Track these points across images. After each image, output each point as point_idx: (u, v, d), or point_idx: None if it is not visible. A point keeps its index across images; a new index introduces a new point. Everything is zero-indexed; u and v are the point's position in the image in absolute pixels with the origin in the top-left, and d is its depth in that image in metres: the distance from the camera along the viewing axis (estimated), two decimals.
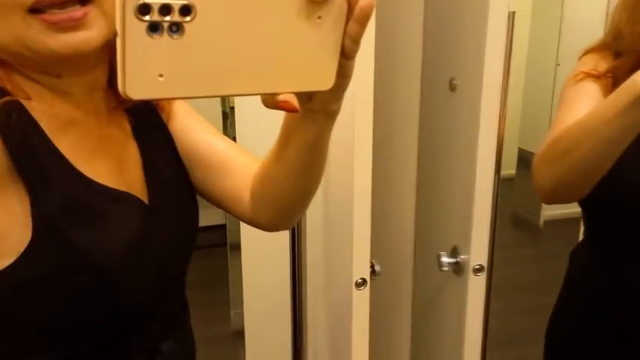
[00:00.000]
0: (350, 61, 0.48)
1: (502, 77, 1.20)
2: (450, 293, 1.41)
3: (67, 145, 0.62)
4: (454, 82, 1.34)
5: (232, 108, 1.81)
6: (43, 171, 0.59)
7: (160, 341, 0.72)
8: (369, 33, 1.09)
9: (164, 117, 0.77)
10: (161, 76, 0.39)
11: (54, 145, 0.61)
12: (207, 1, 0.39)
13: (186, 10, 0.39)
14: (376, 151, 1.17)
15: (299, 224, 1.32)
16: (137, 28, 0.38)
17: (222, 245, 2.73)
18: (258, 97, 0.49)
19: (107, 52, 0.62)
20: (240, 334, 1.49)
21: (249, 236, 1.44)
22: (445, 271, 1.38)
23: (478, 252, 1.30)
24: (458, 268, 1.36)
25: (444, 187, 1.41)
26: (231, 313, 2.57)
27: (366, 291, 1.24)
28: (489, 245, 1.31)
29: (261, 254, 1.46)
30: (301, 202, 0.73)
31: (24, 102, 0.60)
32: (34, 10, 0.54)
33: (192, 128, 0.79)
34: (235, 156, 0.78)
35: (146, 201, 0.69)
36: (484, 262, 1.31)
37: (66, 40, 0.55)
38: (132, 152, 0.71)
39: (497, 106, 1.20)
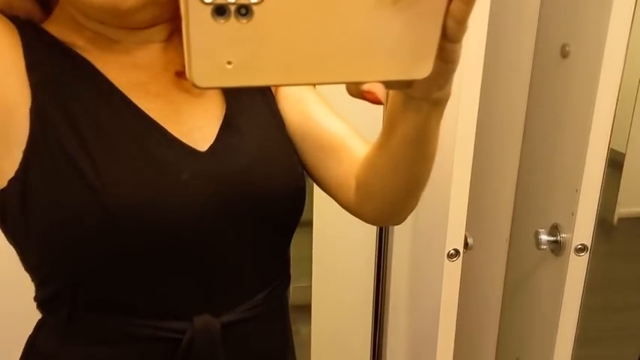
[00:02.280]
0: (455, 44, 0.41)
1: (626, 45, 1.10)
2: (547, 273, 1.34)
3: (118, 78, 0.61)
4: (567, 48, 1.25)
5: None
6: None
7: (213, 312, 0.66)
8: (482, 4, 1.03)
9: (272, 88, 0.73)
10: (229, 63, 0.36)
11: (88, 61, 0.61)
12: None
13: None
14: (479, 120, 1.11)
15: None
16: (201, 12, 0.35)
17: None
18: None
19: (165, 11, 0.61)
20: (300, 309, 1.41)
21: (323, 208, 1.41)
22: (543, 249, 1.31)
23: (582, 230, 1.22)
24: (557, 247, 1.29)
25: (549, 160, 1.33)
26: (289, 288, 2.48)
27: (458, 262, 1.20)
28: (594, 225, 1.23)
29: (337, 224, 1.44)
30: (408, 198, 0.65)
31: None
32: None
33: (307, 100, 0.73)
34: (348, 140, 0.71)
35: (204, 148, 0.63)
36: (588, 241, 1.23)
37: None
38: (213, 108, 0.66)
39: (618, 78, 1.11)
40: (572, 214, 1.22)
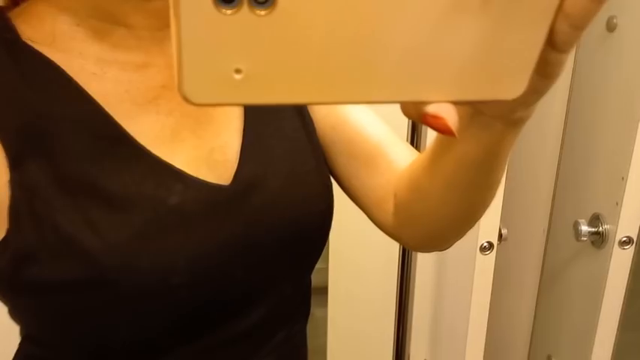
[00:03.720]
0: (562, 54, 0.30)
1: None
2: (586, 267, 1.25)
3: (103, 91, 0.48)
4: (614, 20, 1.14)
5: None
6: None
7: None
8: None
9: None
10: (238, 71, 0.25)
11: (76, 84, 0.47)
12: None
13: None
14: None
15: None
16: None
17: None
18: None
19: None
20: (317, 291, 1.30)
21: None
22: (583, 241, 1.21)
23: (628, 222, 1.12)
24: (598, 239, 1.20)
25: (592, 145, 1.23)
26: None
27: (491, 256, 1.11)
28: None
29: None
30: (459, 227, 0.53)
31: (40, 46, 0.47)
32: None
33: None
34: (387, 147, 0.57)
35: (226, 179, 0.51)
36: (634, 233, 1.13)
37: None
38: (227, 113, 0.54)
39: None
40: (617, 204, 1.13)
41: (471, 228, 0.53)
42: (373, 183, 0.58)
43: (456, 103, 0.28)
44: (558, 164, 1.33)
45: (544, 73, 0.30)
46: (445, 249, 0.59)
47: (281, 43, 0.25)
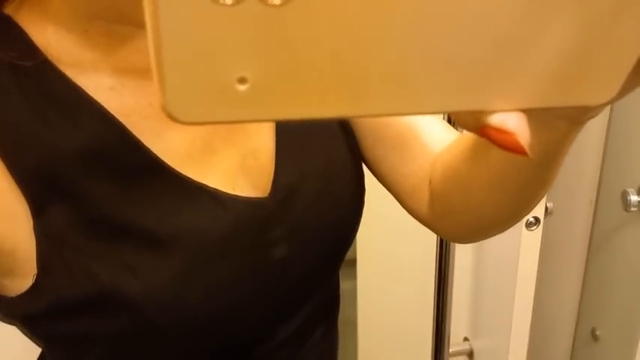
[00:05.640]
0: None
1: None
2: (635, 238, 1.20)
3: (124, 109, 0.42)
4: None
5: None
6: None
7: None
8: None
9: None
10: (243, 81, 0.19)
11: (93, 100, 0.41)
12: None
13: None
14: None
15: None
16: None
17: None
18: None
19: None
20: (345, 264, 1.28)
21: None
22: (632, 211, 1.17)
23: None
24: None
25: None
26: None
27: (538, 232, 1.08)
28: None
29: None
30: (503, 224, 0.48)
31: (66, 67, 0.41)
32: None
33: None
34: (420, 129, 0.51)
35: (264, 190, 0.47)
36: None
37: None
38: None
39: None
40: None
41: (513, 225, 0.48)
42: (405, 169, 0.52)
43: (528, 111, 0.22)
44: (607, 133, 1.27)
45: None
46: (480, 240, 0.55)
47: (301, 43, 0.19)
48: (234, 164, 0.46)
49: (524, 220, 1.06)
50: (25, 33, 0.41)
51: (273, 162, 0.48)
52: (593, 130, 1.28)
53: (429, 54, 0.20)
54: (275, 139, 0.48)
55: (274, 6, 0.18)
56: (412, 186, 0.52)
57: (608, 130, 1.27)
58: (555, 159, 0.36)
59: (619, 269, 1.27)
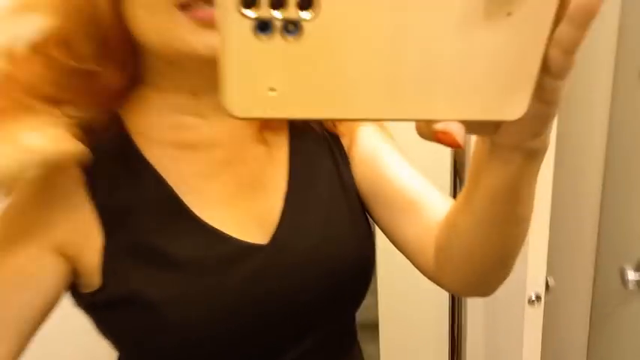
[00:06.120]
0: (558, 81, 0.34)
1: None
2: (635, 314, 1.25)
3: (175, 172, 0.60)
4: None
5: None
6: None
7: None
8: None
9: (344, 143, 0.68)
10: (272, 90, 0.30)
11: (155, 171, 0.59)
12: None
13: (306, 3, 0.29)
14: (557, 150, 1.04)
15: None
16: (241, 27, 0.29)
17: None
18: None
19: None
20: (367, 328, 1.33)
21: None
22: (630, 288, 1.21)
23: None
24: None
25: (634, 190, 1.24)
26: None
27: (539, 308, 1.13)
28: None
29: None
30: (495, 266, 0.55)
31: (135, 135, 0.60)
32: (183, 7, 0.50)
33: (380, 157, 0.66)
34: (424, 197, 0.63)
35: (266, 239, 0.60)
36: None
37: (208, 40, 0.50)
38: (276, 179, 0.63)
39: None
40: None
41: (507, 270, 0.56)
42: (413, 232, 0.62)
43: (464, 122, 0.32)
44: (601, 209, 1.34)
45: (543, 98, 0.34)
46: (488, 294, 0.62)
47: (308, 66, 0.30)
48: (249, 219, 0.61)
49: (527, 297, 1.12)
50: (123, 121, 0.60)
51: (278, 222, 0.61)
52: (590, 206, 1.35)
53: (395, 80, 0.31)
54: (283, 204, 0.62)
55: (290, 42, 0.29)
56: (420, 243, 0.62)
57: (602, 206, 1.34)
58: (520, 194, 0.44)
59: (621, 346, 1.31)
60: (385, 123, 0.70)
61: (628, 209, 1.26)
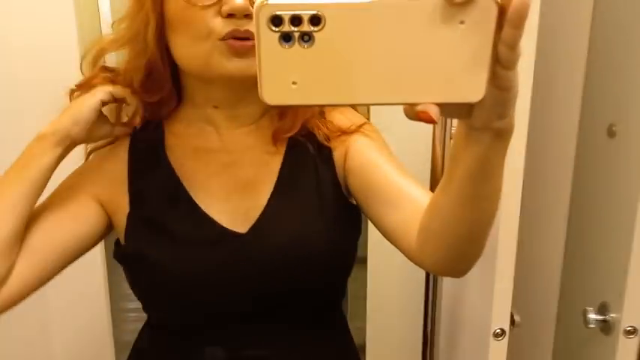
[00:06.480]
0: (509, 71, 0.43)
1: None
2: (596, 353, 1.31)
3: (189, 168, 0.81)
4: (614, 128, 1.25)
5: None
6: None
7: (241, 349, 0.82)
8: (527, 61, 1.05)
9: (336, 154, 0.82)
10: (294, 83, 0.42)
11: (171, 166, 0.82)
12: (336, 12, 0.40)
13: (315, 20, 0.40)
14: (525, 197, 1.12)
15: None
16: (270, 38, 0.41)
17: None
18: (395, 109, 0.47)
19: None
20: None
21: (378, 262, 1.43)
22: (591, 328, 1.28)
23: (631, 312, 1.19)
24: (606, 327, 1.26)
25: (597, 238, 1.31)
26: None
27: (504, 342, 1.19)
28: None
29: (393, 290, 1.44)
30: (469, 242, 0.63)
31: (171, 136, 0.85)
32: (222, 38, 0.70)
33: (372, 160, 0.79)
34: (409, 191, 0.75)
35: (247, 229, 0.78)
36: (638, 324, 1.20)
37: (238, 65, 0.70)
38: (266, 182, 0.81)
39: None
40: (620, 295, 1.20)
41: (479, 248, 0.64)
42: (400, 219, 0.74)
43: (439, 105, 0.43)
44: (565, 253, 1.41)
45: (498, 85, 0.44)
46: (463, 273, 0.71)
47: (318, 65, 0.41)
48: (238, 212, 0.79)
49: (492, 331, 1.18)
50: (162, 125, 0.86)
51: (259, 214, 0.79)
52: (555, 245, 1.42)
53: (384, 74, 0.42)
54: (267, 203, 0.79)
55: (305, 48, 0.41)
56: (404, 229, 0.72)
57: (566, 247, 1.41)
58: (491, 171, 0.53)
59: None
60: (380, 126, 0.87)
61: (592, 254, 1.34)
